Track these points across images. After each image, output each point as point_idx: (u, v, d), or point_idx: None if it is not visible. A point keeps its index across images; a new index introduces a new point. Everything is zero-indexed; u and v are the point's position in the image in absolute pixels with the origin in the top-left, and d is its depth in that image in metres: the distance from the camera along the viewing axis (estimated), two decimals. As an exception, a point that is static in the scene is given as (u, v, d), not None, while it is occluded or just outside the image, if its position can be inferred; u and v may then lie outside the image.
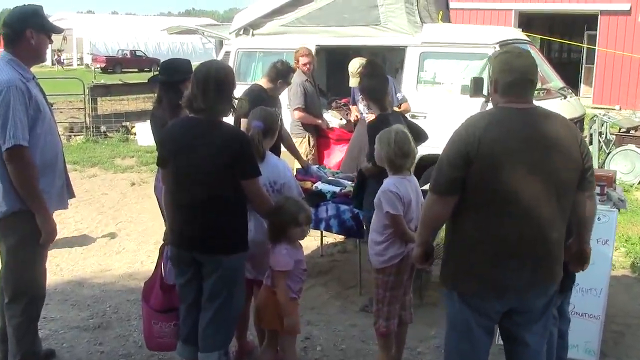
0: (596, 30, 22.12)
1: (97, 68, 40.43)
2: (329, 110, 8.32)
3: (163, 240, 4.07)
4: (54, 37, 4.17)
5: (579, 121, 8.10)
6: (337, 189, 5.81)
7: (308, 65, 7.42)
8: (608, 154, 10.46)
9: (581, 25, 23.72)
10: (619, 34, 21.50)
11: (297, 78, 7.21)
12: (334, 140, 7.77)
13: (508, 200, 2.95)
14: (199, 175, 3.56)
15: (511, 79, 3.01)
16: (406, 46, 7.90)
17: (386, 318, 4.10)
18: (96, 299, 5.69)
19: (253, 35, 9.18)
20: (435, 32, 7.97)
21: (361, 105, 7.27)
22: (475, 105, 7.19)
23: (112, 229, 7.99)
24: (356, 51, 8.22)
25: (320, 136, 7.77)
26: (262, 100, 5.60)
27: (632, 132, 10.56)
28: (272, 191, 4.14)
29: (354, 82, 7.23)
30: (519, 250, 3.00)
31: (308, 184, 5.94)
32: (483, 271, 3.04)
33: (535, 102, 3.10)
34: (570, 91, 8.07)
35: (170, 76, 4.84)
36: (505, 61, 3.07)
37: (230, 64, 9.20)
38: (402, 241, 4.00)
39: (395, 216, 3.93)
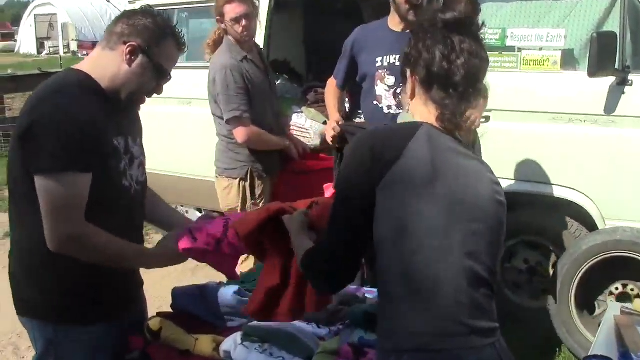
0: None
1: (85, 54, 37.32)
2: (302, 109, 4.53)
3: None
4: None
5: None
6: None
7: (244, 25, 3.62)
8: None
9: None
10: None
11: (224, 56, 3.60)
12: (314, 178, 3.78)
13: None
14: None
15: None
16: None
17: None
18: None
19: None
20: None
21: (382, 88, 3.50)
22: (597, 93, 3.52)
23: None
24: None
25: (283, 173, 4.00)
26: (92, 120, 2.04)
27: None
28: None
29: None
30: None
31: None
32: None
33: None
34: None
35: None
36: None
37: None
38: None
39: None
